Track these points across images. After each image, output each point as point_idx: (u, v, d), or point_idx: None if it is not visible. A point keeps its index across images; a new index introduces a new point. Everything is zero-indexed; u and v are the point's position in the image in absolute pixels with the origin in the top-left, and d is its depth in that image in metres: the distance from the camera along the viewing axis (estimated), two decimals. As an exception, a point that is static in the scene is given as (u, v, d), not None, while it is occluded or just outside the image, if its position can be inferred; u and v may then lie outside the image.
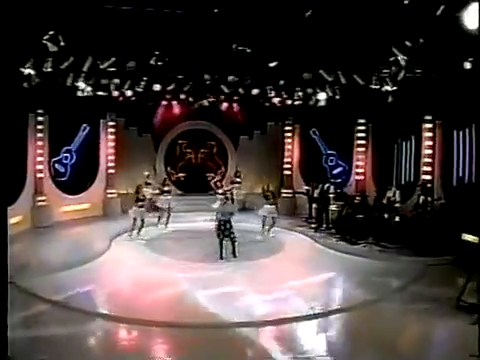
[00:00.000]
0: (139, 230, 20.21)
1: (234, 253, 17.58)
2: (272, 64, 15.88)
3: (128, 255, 18.15)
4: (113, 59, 15.85)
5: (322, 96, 20.11)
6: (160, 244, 19.73)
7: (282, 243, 20.07)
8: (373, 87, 17.12)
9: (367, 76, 16.85)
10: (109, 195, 24.77)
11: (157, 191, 22.60)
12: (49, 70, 15.71)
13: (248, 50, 14.43)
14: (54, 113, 21.43)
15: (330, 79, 17.25)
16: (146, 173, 24.14)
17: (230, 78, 18.16)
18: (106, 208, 24.59)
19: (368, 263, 17.14)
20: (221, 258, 17.47)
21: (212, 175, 26.49)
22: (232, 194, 17.94)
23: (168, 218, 22.13)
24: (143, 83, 19.13)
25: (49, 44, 13.95)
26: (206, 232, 19.15)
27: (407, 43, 13.56)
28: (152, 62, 15.80)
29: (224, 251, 17.52)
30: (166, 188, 22.46)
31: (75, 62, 15.77)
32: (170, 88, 20.00)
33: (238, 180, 24.95)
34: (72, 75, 17.31)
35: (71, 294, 13.74)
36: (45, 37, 13.69)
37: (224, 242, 17.57)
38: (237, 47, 14.25)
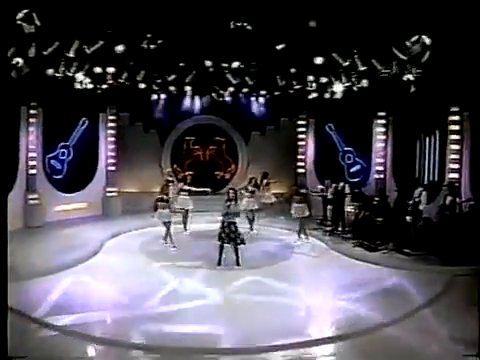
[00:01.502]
0: (167, 235, 18.25)
1: (237, 261, 15.95)
2: (279, 47, 14.07)
3: (117, 260, 16.59)
4: (101, 43, 14.22)
5: (338, 88, 18.68)
6: (156, 248, 18.10)
7: (292, 248, 18.43)
8: (393, 73, 15.27)
9: (387, 60, 15.01)
10: (109, 194, 23.49)
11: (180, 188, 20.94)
12: (32, 56, 14.24)
13: (248, 27, 12.59)
14: (49, 106, 20.24)
15: (345, 64, 15.43)
16: (168, 170, 23.13)
17: (234, 65, 16.58)
18: (105, 207, 23.33)
19: (387, 273, 15.21)
20: (219, 264, 15.90)
21: (221, 173, 25.62)
22: (236, 194, 16.19)
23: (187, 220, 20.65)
24: (142, 73, 17.84)
25: (24, 25, 12.45)
26: (211, 235, 17.43)
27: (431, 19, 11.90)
28: (144, 46, 14.12)
29: (224, 257, 15.97)
30: (186, 187, 20.73)
31: (60, 47, 14.33)
32: (172, 78, 18.66)
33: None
34: (63, 64, 15.93)
35: (37, 305, 12.20)
36: (18, 17, 12.17)
37: (226, 247, 15.98)
38: (235, 23, 12.41)
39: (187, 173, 24.13)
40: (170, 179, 21.17)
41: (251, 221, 20.38)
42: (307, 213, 19.14)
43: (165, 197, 18.07)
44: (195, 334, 10.91)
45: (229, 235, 15.76)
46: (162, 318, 11.71)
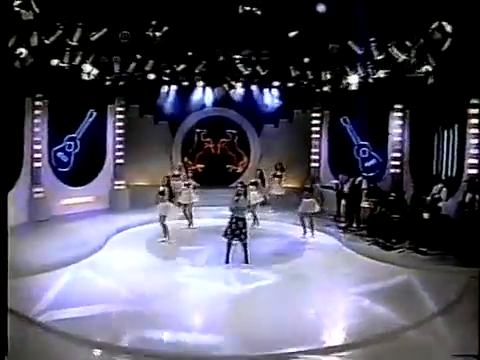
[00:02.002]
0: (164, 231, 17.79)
1: (246, 259, 15.34)
2: (292, 34, 13.41)
3: (121, 257, 16.03)
4: (105, 30, 13.68)
5: (353, 79, 18.08)
6: (161, 244, 17.54)
7: (305, 245, 17.78)
8: (411, 63, 14.56)
9: (404, 47, 14.31)
10: (116, 187, 22.93)
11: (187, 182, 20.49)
12: (35, 45, 13.96)
13: (258, 12, 11.92)
14: (55, 98, 19.69)
15: (360, 52, 14.72)
16: (179, 163, 22.79)
17: (245, 52, 16.03)
18: (113, 201, 22.74)
19: (404, 274, 14.42)
20: (227, 262, 15.30)
21: (233, 167, 25.17)
22: (245, 188, 15.58)
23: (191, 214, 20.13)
24: (151, 63, 17.37)
25: (22, 11, 12.04)
26: (220, 231, 16.57)
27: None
28: (149, 33, 13.54)
29: (232, 255, 15.37)
30: (186, 181, 20.31)
31: (63, 35, 14.00)
32: (181, 68, 18.10)
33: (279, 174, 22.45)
34: (68, 53, 15.57)
35: (30, 305, 11.62)
36: (16, 3, 11.69)
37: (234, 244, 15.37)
38: (244, 8, 11.74)
39: (197, 166, 24.79)
40: (176, 173, 21.09)
41: (255, 215, 19.71)
42: (316, 209, 18.52)
43: (161, 190, 17.78)
44: (197, 340, 10.26)
45: (234, 232, 15.17)
46: (162, 322, 11.08)
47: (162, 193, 17.71)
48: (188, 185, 19.99)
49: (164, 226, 17.65)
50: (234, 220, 15.19)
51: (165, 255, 16.21)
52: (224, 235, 15.27)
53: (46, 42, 13.89)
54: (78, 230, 18.26)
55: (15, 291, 10.82)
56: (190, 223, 19.93)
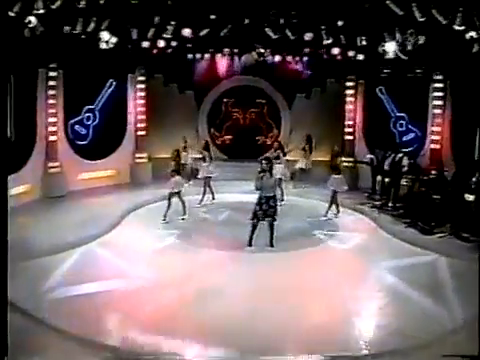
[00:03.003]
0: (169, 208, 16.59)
1: (271, 242, 14.15)
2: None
3: (136, 238, 14.95)
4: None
5: (391, 46, 16.67)
6: (179, 223, 16.43)
7: (335, 226, 16.47)
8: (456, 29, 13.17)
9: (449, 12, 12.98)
10: (138, 160, 22.04)
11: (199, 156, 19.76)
12: (43, 12, 13.04)
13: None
14: (71, 68, 18.76)
15: (401, 13, 13.34)
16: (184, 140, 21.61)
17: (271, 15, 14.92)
18: (134, 175, 21.86)
19: (443, 264, 12.95)
20: (250, 245, 14.10)
21: (262, 138, 24.10)
22: (271, 164, 14.28)
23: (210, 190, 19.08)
24: (170, 28, 16.20)
25: None
26: (243, 208, 15.88)
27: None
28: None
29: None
30: (199, 155, 19.68)
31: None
32: (204, 33, 16.93)
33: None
34: (81, 21, 14.73)
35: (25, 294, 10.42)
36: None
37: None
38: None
39: (225, 138, 24.04)
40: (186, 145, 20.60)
41: (282, 189, 18.57)
42: (344, 187, 17.24)
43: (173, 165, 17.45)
44: (203, 346, 8.95)
45: (266, 212, 13.90)
46: (165, 322, 9.74)
47: (174, 170, 17.12)
48: (203, 158, 19.10)
49: (182, 202, 16.64)
50: (264, 199, 13.92)
51: (181, 235, 15.21)
52: (253, 217, 14.03)
53: (52, 7, 12.88)
54: (94, 207, 17.38)
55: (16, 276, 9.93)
56: (209, 197, 18.97)
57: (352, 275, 12.47)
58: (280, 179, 17.96)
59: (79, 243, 13.81)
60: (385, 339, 9.17)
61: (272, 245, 14.10)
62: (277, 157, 18.57)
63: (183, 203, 16.65)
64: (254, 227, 14.10)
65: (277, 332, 9.29)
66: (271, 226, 14.08)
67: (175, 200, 16.53)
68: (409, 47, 16.10)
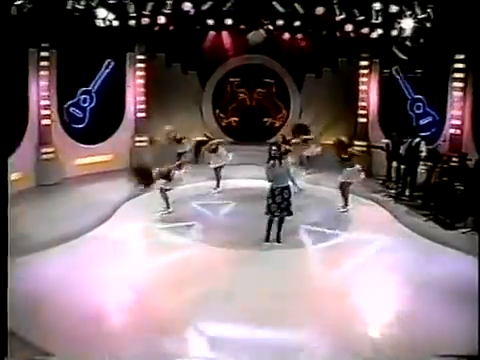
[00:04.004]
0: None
1: (279, 237, 13.19)
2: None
3: (127, 232, 13.87)
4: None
5: (408, 23, 16.10)
6: (180, 214, 15.45)
7: (348, 219, 15.33)
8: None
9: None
10: (138, 144, 21.12)
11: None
12: None
13: None
14: (66, 47, 17.91)
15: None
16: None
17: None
18: (134, 159, 20.70)
19: (468, 264, 11.54)
20: (267, 240, 13.11)
21: (270, 120, 23.03)
22: (280, 150, 13.18)
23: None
24: (169, 2, 15.83)
25: None
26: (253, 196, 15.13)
27: None
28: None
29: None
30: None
31: None
32: (207, 7, 16.37)
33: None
34: None
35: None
36: None
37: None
38: None
39: (231, 119, 23.29)
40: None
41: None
42: (361, 177, 16.04)
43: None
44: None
45: (280, 205, 12.82)
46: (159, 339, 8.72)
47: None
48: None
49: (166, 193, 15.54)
50: (278, 191, 12.82)
51: (182, 230, 14.17)
52: (267, 211, 12.97)
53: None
54: (89, 195, 16.59)
55: None
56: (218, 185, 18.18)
57: (369, 274, 11.56)
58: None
59: (60, 241, 12.79)
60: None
61: (279, 240, 13.15)
62: (286, 152, 17.14)
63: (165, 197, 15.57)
64: (270, 222, 13.08)
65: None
66: (281, 220, 13.07)
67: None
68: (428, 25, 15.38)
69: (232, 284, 10.69)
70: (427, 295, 10.30)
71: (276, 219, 13.06)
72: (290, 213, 12.98)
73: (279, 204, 12.78)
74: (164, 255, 12.28)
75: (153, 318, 9.34)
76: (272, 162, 12.86)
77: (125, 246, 12.78)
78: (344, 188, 15.93)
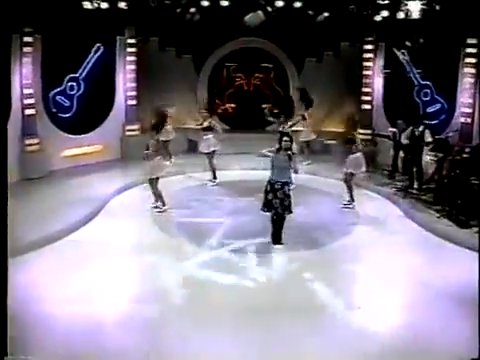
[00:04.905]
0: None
1: (280, 238, 12.32)
2: None
3: (116, 232, 13.00)
4: None
5: (415, 5, 15.96)
6: (174, 208, 14.66)
7: (353, 216, 14.46)
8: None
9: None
10: (129, 133, 20.32)
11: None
12: None
13: None
14: (51, 32, 16.99)
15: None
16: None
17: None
18: (125, 149, 20.16)
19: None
20: (280, 243, 12.29)
21: (269, 106, 21.49)
22: (291, 141, 12.35)
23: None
24: None
25: None
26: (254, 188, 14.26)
27: None
28: None
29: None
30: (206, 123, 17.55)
31: None
32: None
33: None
34: None
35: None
36: None
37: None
38: None
39: (227, 106, 22.73)
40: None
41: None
42: (362, 168, 15.13)
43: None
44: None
45: (283, 202, 11.90)
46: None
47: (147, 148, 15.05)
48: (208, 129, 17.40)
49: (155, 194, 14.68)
50: (278, 185, 11.92)
51: (176, 229, 13.41)
52: (268, 208, 12.16)
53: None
54: (76, 189, 15.77)
55: None
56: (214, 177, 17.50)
57: (382, 277, 10.75)
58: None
59: (39, 245, 11.88)
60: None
61: (280, 242, 12.32)
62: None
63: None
64: (273, 221, 12.26)
65: None
66: (282, 219, 12.16)
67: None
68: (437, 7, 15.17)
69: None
70: (441, 300, 9.64)
71: (275, 217, 12.18)
72: (290, 211, 12.12)
73: (282, 200, 11.90)
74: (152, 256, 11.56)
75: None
76: (278, 152, 12.05)
77: (104, 251, 11.85)
78: (348, 180, 15.06)
